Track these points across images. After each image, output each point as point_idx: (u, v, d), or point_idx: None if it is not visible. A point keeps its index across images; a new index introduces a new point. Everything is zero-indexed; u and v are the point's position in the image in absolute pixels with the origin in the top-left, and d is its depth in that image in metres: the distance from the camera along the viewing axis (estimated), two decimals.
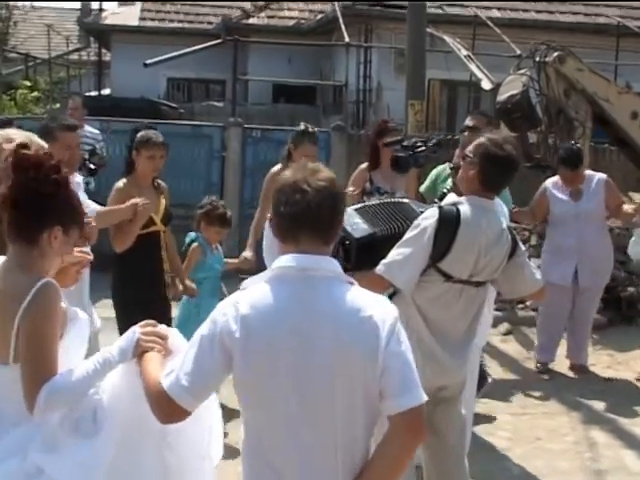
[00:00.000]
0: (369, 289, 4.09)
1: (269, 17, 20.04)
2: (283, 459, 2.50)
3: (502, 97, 9.56)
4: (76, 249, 3.67)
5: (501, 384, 7.24)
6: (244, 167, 11.39)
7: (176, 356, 2.70)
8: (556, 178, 7.59)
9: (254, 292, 2.53)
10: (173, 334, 2.90)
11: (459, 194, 4.25)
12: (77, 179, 5.40)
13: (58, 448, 2.70)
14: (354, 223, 4.21)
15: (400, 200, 4.69)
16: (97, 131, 9.91)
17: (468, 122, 6.58)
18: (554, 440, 6.11)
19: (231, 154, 11.46)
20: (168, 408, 2.51)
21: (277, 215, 2.58)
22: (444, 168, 6.41)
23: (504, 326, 8.67)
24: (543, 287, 4.38)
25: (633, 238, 7.79)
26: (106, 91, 21.65)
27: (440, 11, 16.64)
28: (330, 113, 17.77)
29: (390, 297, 4.14)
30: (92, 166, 8.24)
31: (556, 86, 9.40)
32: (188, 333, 5.94)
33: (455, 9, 17.15)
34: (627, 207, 7.45)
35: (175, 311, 6.16)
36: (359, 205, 4.51)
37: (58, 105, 17.65)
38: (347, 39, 15.42)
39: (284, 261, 2.54)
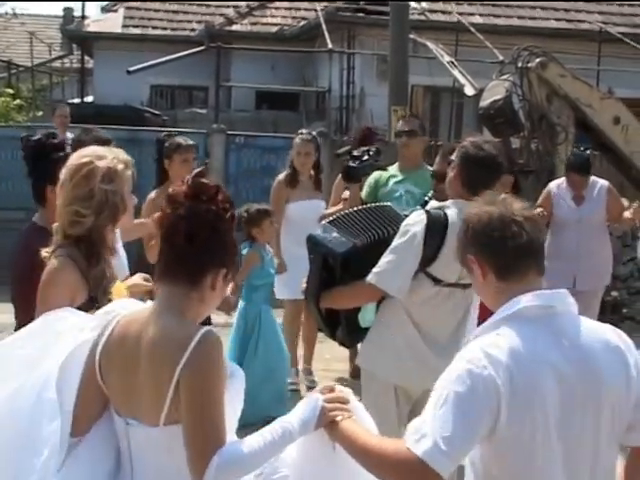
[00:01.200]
0: (360, 300, 4.12)
1: (252, 24, 20.03)
2: None
3: (485, 103, 9.59)
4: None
5: None
6: (227, 174, 11.37)
7: (358, 418, 2.47)
8: (560, 181, 7.61)
9: (506, 336, 2.29)
10: (348, 394, 2.55)
11: (440, 200, 4.25)
12: None
13: None
14: (333, 237, 4.08)
15: (381, 204, 4.67)
16: None
17: (403, 127, 6.59)
18: None
19: (214, 161, 11.44)
20: (424, 478, 2.20)
21: (491, 254, 2.39)
22: (380, 174, 6.44)
23: None
24: None
25: None
26: (89, 98, 21.57)
27: (423, 17, 16.69)
28: (313, 119, 17.77)
29: (378, 303, 4.15)
30: None
31: (538, 92, 9.43)
32: (246, 340, 6.03)
33: (437, 15, 17.20)
34: (626, 213, 7.46)
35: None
36: (332, 217, 4.37)
37: (41, 113, 17.60)
38: (330, 45, 15.43)
39: (527, 300, 2.34)
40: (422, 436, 2.20)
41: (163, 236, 2.44)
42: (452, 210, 3.98)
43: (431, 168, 6.37)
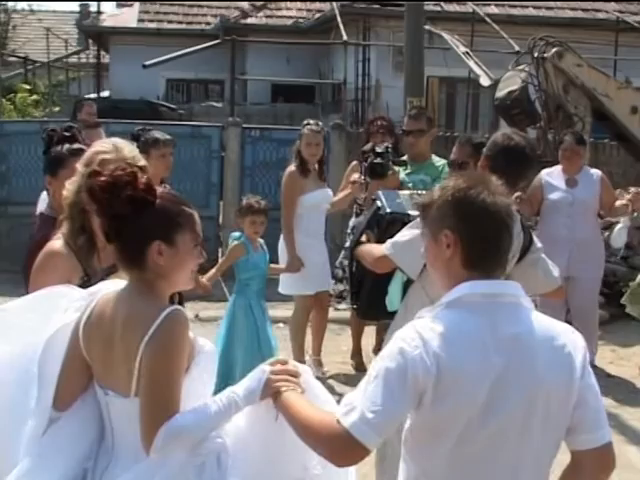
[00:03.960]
0: (371, 263, 4.16)
1: (267, 17, 20.05)
2: None
3: (501, 93, 9.55)
4: None
5: None
6: (243, 167, 11.35)
7: (310, 393, 2.54)
8: (551, 169, 7.57)
9: (442, 321, 2.32)
10: (303, 370, 2.64)
11: None
12: None
13: None
14: (393, 200, 4.35)
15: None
16: None
17: (411, 126, 6.41)
18: None
19: (230, 154, 11.43)
20: (350, 449, 2.28)
21: (473, 245, 2.37)
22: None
23: None
24: (560, 286, 4.33)
25: (619, 225, 7.64)
26: (105, 93, 21.65)
27: (438, 8, 16.65)
28: (329, 111, 17.77)
29: (404, 289, 4.17)
30: None
31: (555, 81, 9.38)
32: (237, 333, 6.00)
33: (453, 6, 17.15)
34: (619, 202, 7.39)
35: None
36: (408, 192, 4.76)
37: (58, 108, 17.67)
38: (345, 37, 15.41)
39: (469, 288, 2.35)
40: (351, 409, 2.28)
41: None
42: None
43: (437, 159, 6.36)
